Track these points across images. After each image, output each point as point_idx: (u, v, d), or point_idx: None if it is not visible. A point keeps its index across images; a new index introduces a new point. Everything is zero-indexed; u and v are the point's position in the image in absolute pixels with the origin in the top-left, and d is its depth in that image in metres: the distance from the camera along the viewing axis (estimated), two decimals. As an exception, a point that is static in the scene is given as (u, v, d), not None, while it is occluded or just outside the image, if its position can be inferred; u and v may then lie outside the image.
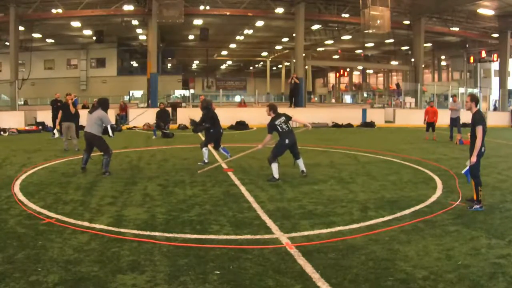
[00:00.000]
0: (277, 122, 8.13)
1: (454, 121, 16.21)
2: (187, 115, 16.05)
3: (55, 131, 15.32)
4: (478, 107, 6.40)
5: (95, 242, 4.69)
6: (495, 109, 33.34)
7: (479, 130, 6.08)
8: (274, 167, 8.04)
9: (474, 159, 6.08)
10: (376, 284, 3.71)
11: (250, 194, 6.99)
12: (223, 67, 64.11)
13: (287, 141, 8.08)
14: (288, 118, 8.25)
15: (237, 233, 5.05)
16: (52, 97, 18.48)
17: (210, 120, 9.82)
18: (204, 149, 9.92)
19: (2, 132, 17.90)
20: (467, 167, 6.25)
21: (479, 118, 6.18)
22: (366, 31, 26.13)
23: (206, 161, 9.88)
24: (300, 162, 8.37)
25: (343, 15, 28.25)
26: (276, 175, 8.01)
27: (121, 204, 6.32)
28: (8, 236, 4.85)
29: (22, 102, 31.69)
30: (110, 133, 8.73)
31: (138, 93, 39.58)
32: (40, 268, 3.94)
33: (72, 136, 12.46)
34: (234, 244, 4.70)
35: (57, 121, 13.38)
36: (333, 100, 52.11)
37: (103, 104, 8.82)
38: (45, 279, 3.72)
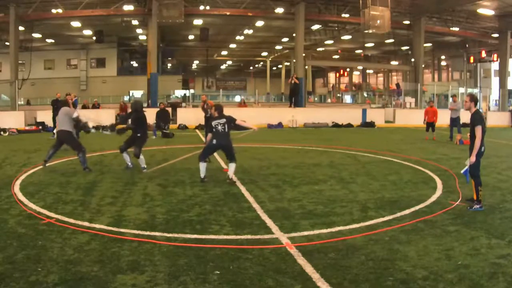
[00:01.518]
0: (214, 122, 8.03)
1: (454, 121, 16.21)
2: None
3: (55, 131, 15.29)
4: (477, 107, 6.40)
5: (95, 242, 4.69)
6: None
7: (478, 130, 6.08)
8: (201, 166, 7.96)
9: (473, 158, 6.08)
10: (376, 284, 3.71)
11: (250, 194, 6.99)
12: (223, 67, 64.14)
13: (214, 141, 7.99)
14: (231, 120, 8.13)
15: (237, 233, 5.05)
16: (53, 97, 18.47)
17: (136, 122, 9.10)
18: (141, 157, 9.12)
19: (2, 132, 17.90)
20: (466, 167, 6.25)
21: (478, 118, 6.19)
22: (366, 31, 26.14)
23: (130, 164, 9.26)
24: (231, 167, 8.00)
25: (343, 15, 28.26)
26: (202, 175, 7.92)
27: (121, 204, 6.32)
28: (8, 236, 4.85)
29: (24, 102, 31.72)
30: (76, 116, 9.22)
31: (138, 93, 39.54)
32: (40, 268, 3.94)
33: None
34: (234, 244, 4.70)
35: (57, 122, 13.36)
36: (329, 100, 52.06)
37: (64, 104, 9.71)
38: (45, 279, 3.72)
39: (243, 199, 6.67)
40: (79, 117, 9.35)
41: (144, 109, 9.61)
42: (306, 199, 6.68)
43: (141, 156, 9.05)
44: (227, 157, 8.19)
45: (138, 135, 9.12)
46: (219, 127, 8.02)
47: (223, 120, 8.07)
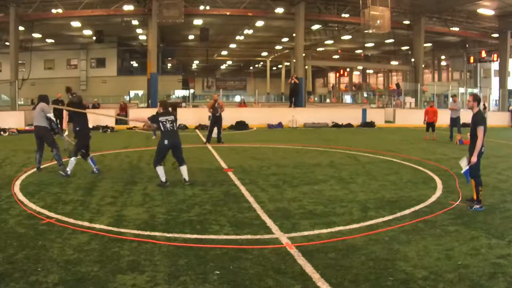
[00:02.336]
0: (161, 118, 7.52)
1: (454, 121, 16.21)
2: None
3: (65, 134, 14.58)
4: (479, 107, 6.42)
5: (95, 242, 4.70)
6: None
7: (480, 130, 6.08)
8: (159, 170, 7.53)
9: (474, 159, 6.08)
10: (376, 284, 3.71)
11: (250, 194, 6.99)
12: (223, 67, 64.13)
13: (166, 142, 7.47)
14: (176, 120, 7.78)
15: (237, 233, 5.05)
16: (53, 97, 18.43)
17: (77, 115, 8.56)
18: (73, 158, 8.38)
19: (2, 132, 17.90)
20: (467, 167, 6.24)
21: (480, 119, 6.20)
22: (366, 31, 26.12)
23: (69, 172, 8.29)
24: (183, 170, 7.71)
25: (343, 15, 28.24)
26: (163, 179, 7.51)
27: (121, 204, 6.32)
28: (8, 236, 4.85)
29: (29, 102, 31.65)
30: (53, 124, 8.90)
31: (138, 93, 39.38)
32: (40, 268, 3.94)
33: None
34: (234, 244, 4.70)
35: (65, 121, 13.11)
36: (328, 100, 52.08)
37: (43, 99, 9.24)
38: (45, 279, 3.72)
39: (243, 199, 6.67)
40: (52, 118, 9.06)
41: (84, 102, 9.19)
42: (306, 199, 6.68)
43: (72, 159, 8.32)
44: (177, 160, 7.75)
45: (77, 129, 8.53)
46: (168, 125, 7.52)
47: (171, 117, 7.64)
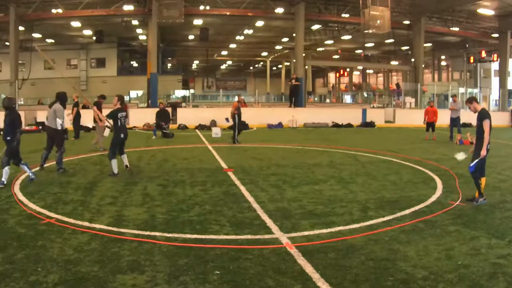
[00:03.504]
0: (119, 115, 8.37)
1: (454, 121, 16.20)
2: None
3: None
4: (481, 104, 6.52)
5: (95, 242, 4.70)
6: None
7: (486, 124, 6.17)
8: (114, 163, 8.33)
9: (484, 152, 6.19)
10: (376, 284, 3.71)
11: (250, 194, 6.99)
12: (223, 67, 64.09)
13: (122, 135, 8.38)
14: (127, 116, 8.62)
15: (237, 233, 5.05)
16: (53, 97, 18.42)
17: (11, 124, 7.61)
18: (6, 168, 7.53)
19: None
20: (475, 162, 6.24)
21: (485, 113, 6.31)
22: (366, 31, 26.10)
23: (4, 181, 7.45)
24: (125, 158, 8.70)
25: (343, 15, 28.23)
26: (115, 170, 8.33)
27: (121, 204, 6.32)
28: (8, 236, 4.85)
29: (29, 102, 31.64)
30: (59, 125, 8.76)
31: (133, 94, 39.21)
32: (40, 268, 3.94)
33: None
34: (234, 244, 4.70)
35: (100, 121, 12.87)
36: (328, 100, 52.04)
37: (60, 97, 9.14)
38: (45, 279, 3.72)
39: (243, 199, 6.67)
40: (62, 124, 8.81)
41: (15, 106, 8.40)
42: (306, 199, 6.68)
43: (6, 169, 7.48)
44: (119, 151, 8.58)
45: (8, 138, 7.56)
46: (123, 120, 8.41)
47: (125, 113, 8.50)
